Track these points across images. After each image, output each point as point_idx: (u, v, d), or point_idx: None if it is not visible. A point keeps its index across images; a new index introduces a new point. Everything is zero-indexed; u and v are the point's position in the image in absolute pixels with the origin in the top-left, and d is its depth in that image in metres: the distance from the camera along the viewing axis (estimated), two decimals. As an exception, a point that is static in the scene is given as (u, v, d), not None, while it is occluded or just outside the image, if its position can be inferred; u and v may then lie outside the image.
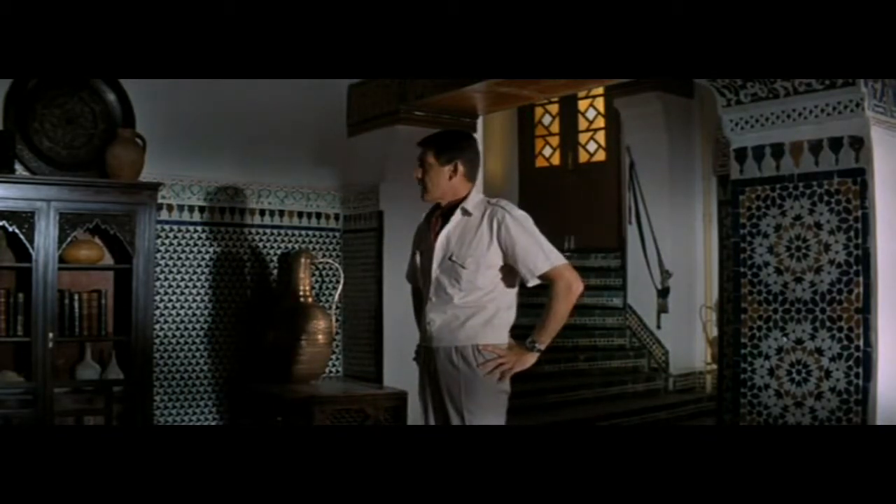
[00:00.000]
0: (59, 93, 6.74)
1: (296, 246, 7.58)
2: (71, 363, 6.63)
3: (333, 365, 7.67)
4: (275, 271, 7.58)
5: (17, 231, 6.12)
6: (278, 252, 7.59)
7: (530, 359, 4.56)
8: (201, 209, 7.25)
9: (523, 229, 4.49)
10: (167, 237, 7.07)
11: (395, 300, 7.19)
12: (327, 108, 7.80)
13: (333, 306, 7.47)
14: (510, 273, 4.57)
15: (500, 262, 4.54)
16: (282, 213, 7.62)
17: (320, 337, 7.08)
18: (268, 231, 7.55)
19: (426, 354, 4.79)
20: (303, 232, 7.70)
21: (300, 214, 7.71)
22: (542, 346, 4.54)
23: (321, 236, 7.77)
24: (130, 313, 6.45)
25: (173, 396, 7.15)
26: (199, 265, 7.24)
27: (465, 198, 4.65)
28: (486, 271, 4.53)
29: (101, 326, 6.60)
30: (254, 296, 7.51)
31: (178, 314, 7.17)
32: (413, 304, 5.20)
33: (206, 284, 7.29)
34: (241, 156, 7.44)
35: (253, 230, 7.49)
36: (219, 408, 7.36)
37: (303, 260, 7.22)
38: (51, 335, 6.19)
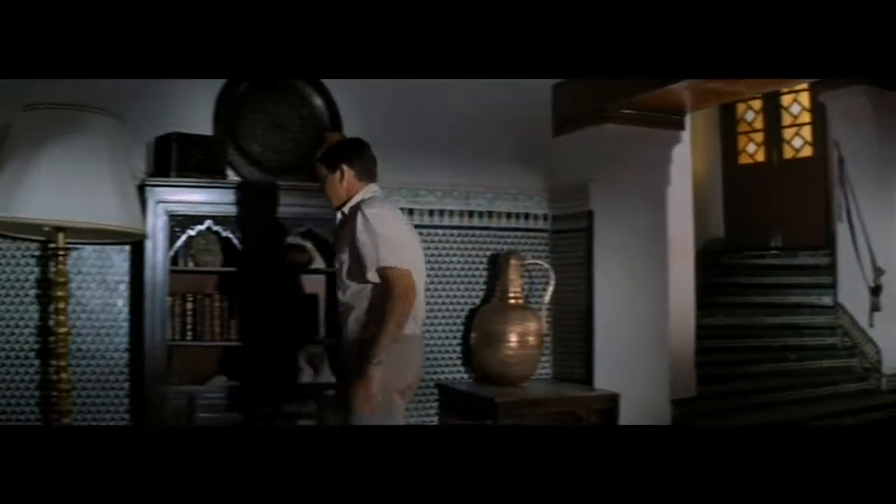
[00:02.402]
0: (266, 98, 6.68)
1: (504, 247, 7.32)
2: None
3: (543, 367, 7.38)
4: (485, 273, 7.36)
5: (230, 236, 6.05)
6: (487, 254, 7.36)
7: (375, 375, 4.49)
8: (409, 211, 7.03)
9: (367, 227, 4.57)
10: (377, 239, 6.88)
11: (606, 301, 7.01)
12: (532, 108, 7.53)
13: (544, 308, 7.19)
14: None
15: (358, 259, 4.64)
16: (490, 214, 7.39)
17: (531, 339, 6.87)
18: (476, 233, 7.33)
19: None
20: (511, 233, 7.44)
21: (508, 215, 7.46)
22: (381, 358, 4.48)
23: (530, 237, 7.49)
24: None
25: (383, 399, 6.96)
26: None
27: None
28: (351, 268, 4.69)
29: (314, 330, 6.48)
30: (464, 298, 7.32)
31: (390, 316, 6.96)
32: None
33: (415, 287, 7.06)
34: (447, 157, 7.25)
35: (461, 232, 7.30)
36: (428, 410, 7.18)
37: (513, 261, 7.02)
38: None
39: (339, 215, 4.94)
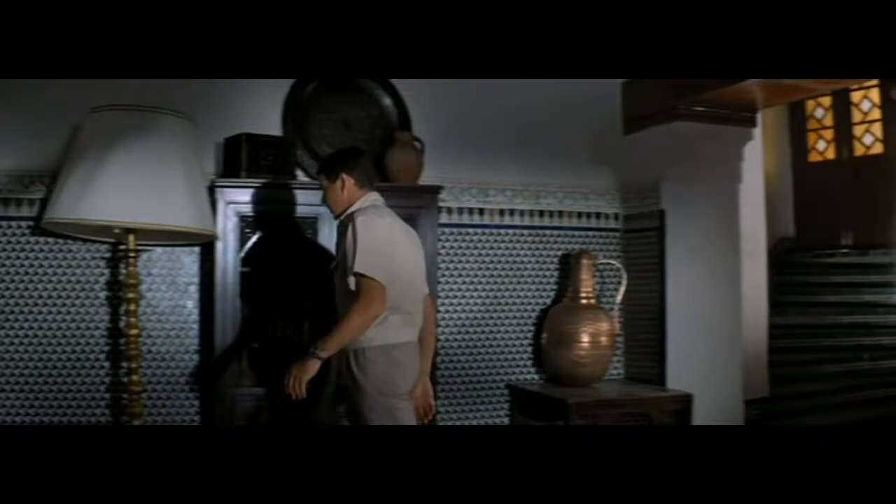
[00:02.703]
0: (335, 98, 6.59)
1: (576, 247, 7.17)
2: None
3: (614, 367, 7.22)
4: (556, 273, 7.20)
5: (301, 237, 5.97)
6: (558, 253, 7.21)
7: (311, 366, 4.45)
8: (480, 211, 6.96)
9: (353, 233, 4.52)
10: (447, 240, 6.80)
11: (679, 300, 6.88)
12: (601, 106, 7.35)
13: (616, 308, 7.04)
14: None
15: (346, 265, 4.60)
16: (561, 213, 7.23)
17: (603, 339, 6.73)
18: (547, 232, 7.17)
19: None
20: (582, 232, 7.28)
21: (579, 215, 7.30)
22: (324, 354, 4.47)
23: (601, 237, 7.33)
24: (413, 317, 6.18)
25: (453, 401, 6.89)
26: (480, 268, 6.96)
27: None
28: (344, 273, 4.62)
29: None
30: (534, 298, 7.16)
31: (460, 318, 6.90)
32: None
33: (486, 287, 7.00)
34: (517, 156, 7.10)
35: (532, 231, 7.14)
36: (498, 411, 7.05)
37: (584, 261, 6.86)
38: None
39: (338, 223, 4.91)
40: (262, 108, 6.37)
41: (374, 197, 4.88)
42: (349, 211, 4.77)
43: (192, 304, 6.22)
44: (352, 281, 4.52)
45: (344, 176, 4.80)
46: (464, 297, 6.93)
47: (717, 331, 7.06)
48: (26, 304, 5.96)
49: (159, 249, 6.11)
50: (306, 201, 5.93)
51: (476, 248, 6.94)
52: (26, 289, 5.96)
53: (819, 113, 11.92)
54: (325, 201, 4.96)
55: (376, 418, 4.55)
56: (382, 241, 4.57)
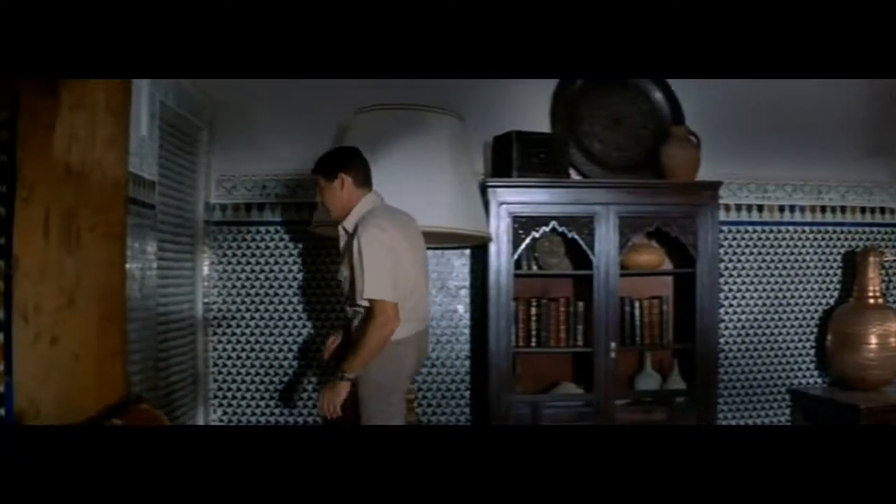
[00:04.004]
0: (604, 94, 6.23)
1: (859, 244, 6.57)
2: (630, 373, 6.07)
3: (901, 371, 6.56)
4: (839, 271, 6.62)
5: (576, 237, 5.63)
6: (842, 251, 6.62)
7: (342, 388, 4.37)
8: (759, 208, 6.45)
9: (360, 252, 4.36)
10: (725, 238, 6.34)
11: None
12: (882, 98, 6.69)
13: (909, 308, 6.39)
14: None
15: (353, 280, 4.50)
16: (843, 208, 6.62)
17: (893, 340, 6.12)
18: (829, 229, 6.59)
19: None
20: (865, 229, 6.66)
21: (863, 210, 6.67)
22: (351, 375, 4.36)
23: (886, 232, 6.70)
24: (692, 320, 5.76)
25: (733, 406, 6.42)
26: (760, 267, 6.47)
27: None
28: (351, 286, 4.50)
29: (661, 334, 5.96)
30: (817, 298, 6.60)
31: (741, 319, 6.42)
32: None
33: (766, 287, 6.48)
34: (795, 151, 6.53)
35: (814, 228, 6.58)
36: (780, 416, 6.52)
37: (872, 258, 6.24)
38: (612, 345, 5.63)
39: (341, 230, 4.63)
40: (530, 104, 6.11)
41: (372, 198, 4.64)
42: (352, 218, 4.55)
43: (462, 309, 6.04)
44: (361, 300, 4.40)
45: (343, 175, 4.56)
46: (744, 297, 6.46)
47: None
48: (295, 310, 5.98)
49: (429, 252, 5.84)
50: (581, 200, 5.62)
51: (756, 246, 6.46)
52: (295, 294, 5.96)
53: None
54: (322, 203, 4.74)
55: (373, 407, 4.41)
56: (386, 258, 4.40)
